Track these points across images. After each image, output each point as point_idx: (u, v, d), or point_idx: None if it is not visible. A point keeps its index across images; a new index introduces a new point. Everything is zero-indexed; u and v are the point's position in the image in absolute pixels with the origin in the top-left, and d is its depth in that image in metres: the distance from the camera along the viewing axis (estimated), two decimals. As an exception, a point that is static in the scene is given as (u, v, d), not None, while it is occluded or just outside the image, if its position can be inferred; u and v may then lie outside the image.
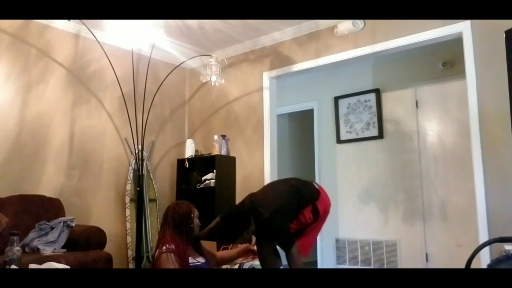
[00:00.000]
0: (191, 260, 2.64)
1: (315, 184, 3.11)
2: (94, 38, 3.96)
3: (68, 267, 2.54)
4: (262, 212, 2.69)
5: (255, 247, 3.06)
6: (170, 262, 2.51)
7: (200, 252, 2.78)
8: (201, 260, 2.72)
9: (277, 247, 2.93)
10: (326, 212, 2.97)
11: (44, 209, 3.55)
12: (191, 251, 2.69)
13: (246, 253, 3.18)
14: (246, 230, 2.67)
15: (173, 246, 2.57)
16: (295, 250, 2.65)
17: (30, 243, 3.23)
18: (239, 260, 3.18)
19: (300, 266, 2.67)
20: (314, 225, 2.93)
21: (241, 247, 3.21)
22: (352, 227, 5.00)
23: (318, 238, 5.24)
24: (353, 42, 3.95)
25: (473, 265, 1.80)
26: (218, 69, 4.15)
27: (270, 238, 2.82)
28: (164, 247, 2.57)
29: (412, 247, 4.53)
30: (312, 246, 3.02)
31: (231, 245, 3.72)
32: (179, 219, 2.67)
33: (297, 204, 2.84)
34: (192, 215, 2.73)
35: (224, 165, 4.49)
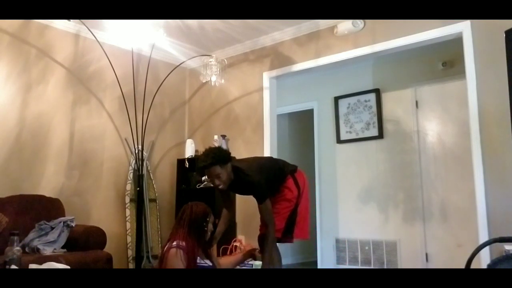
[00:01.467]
0: (198, 260, 2.64)
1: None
2: (94, 38, 3.96)
3: (68, 267, 2.54)
4: (245, 169, 2.97)
5: (256, 251, 3.12)
6: (178, 258, 2.51)
7: (208, 256, 2.78)
8: (208, 263, 2.73)
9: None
10: (306, 185, 3.20)
11: (44, 209, 3.55)
12: (200, 253, 2.69)
13: (249, 256, 3.18)
14: (224, 164, 2.89)
15: (184, 243, 2.57)
16: (268, 202, 2.96)
17: (30, 243, 3.23)
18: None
19: (270, 212, 2.96)
20: (301, 204, 3.13)
21: (243, 252, 3.22)
22: (352, 227, 4.99)
23: (318, 238, 5.25)
24: (353, 42, 3.95)
25: (473, 265, 1.80)
26: (218, 69, 4.15)
27: (247, 192, 3.08)
28: (174, 242, 2.57)
29: (412, 247, 4.53)
30: (309, 226, 3.22)
31: (231, 244, 3.73)
32: (194, 219, 2.68)
33: (275, 167, 3.16)
34: (208, 218, 2.74)
35: (224, 165, 4.49)
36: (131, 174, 4.47)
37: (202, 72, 4.20)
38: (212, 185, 3.08)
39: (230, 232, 4.01)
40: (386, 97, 4.94)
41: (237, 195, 4.21)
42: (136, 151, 4.24)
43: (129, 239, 4.30)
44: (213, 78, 4.16)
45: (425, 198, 4.53)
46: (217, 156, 2.90)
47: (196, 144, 4.83)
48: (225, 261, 3.09)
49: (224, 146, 4.57)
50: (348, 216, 5.05)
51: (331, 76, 5.27)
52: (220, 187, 2.94)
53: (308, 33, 4.26)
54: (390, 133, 4.87)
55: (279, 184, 3.11)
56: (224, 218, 3.24)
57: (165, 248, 2.61)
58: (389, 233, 4.69)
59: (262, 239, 3.06)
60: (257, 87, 4.58)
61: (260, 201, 2.94)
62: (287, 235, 3.09)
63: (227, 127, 4.78)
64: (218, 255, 3.53)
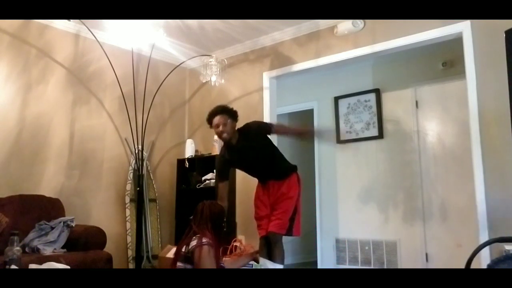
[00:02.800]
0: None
1: None
2: (94, 38, 3.96)
3: (68, 267, 2.54)
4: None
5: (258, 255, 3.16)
6: (211, 255, 2.53)
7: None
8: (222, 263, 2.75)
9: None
10: (301, 185, 3.32)
11: (44, 209, 3.55)
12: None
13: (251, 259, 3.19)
14: (232, 118, 3.19)
15: (212, 242, 2.59)
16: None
17: (30, 243, 3.23)
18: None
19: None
20: (298, 203, 3.24)
21: (246, 254, 3.23)
22: (352, 227, 4.99)
23: (318, 238, 5.26)
24: (353, 42, 3.95)
25: (473, 265, 1.80)
26: (218, 69, 4.15)
27: (253, 149, 3.19)
28: (204, 240, 2.57)
29: (412, 247, 4.53)
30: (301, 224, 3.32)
31: (232, 245, 3.73)
32: (216, 219, 2.71)
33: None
34: (225, 219, 2.78)
35: (224, 165, 4.49)
36: (131, 174, 4.47)
37: (202, 72, 4.20)
38: (216, 136, 3.24)
39: (230, 232, 4.00)
40: (386, 97, 4.93)
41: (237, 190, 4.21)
42: (136, 151, 4.24)
43: (129, 239, 4.30)
44: (213, 78, 4.16)
45: (425, 198, 4.53)
46: (229, 109, 3.25)
47: (196, 144, 4.83)
48: (229, 262, 3.09)
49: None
50: (348, 216, 5.05)
51: (331, 76, 5.27)
52: (224, 135, 3.15)
53: (308, 33, 4.26)
54: (390, 133, 4.87)
55: (285, 172, 3.19)
56: None
57: (193, 245, 2.57)
58: (389, 233, 4.69)
59: (265, 240, 3.10)
60: (257, 87, 4.58)
61: (267, 124, 3.29)
62: (287, 233, 3.15)
63: (227, 127, 4.77)
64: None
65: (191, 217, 2.78)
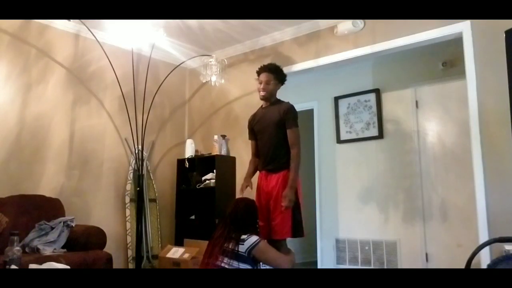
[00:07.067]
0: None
1: None
2: (94, 38, 3.96)
3: (68, 267, 2.54)
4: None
5: None
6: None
7: None
8: None
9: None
10: (299, 185, 3.18)
11: (44, 209, 3.55)
12: None
13: None
14: (278, 80, 3.21)
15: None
16: (298, 130, 3.13)
17: (30, 243, 3.24)
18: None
19: (298, 137, 3.10)
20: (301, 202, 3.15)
21: None
22: (352, 227, 4.99)
23: (318, 238, 5.25)
24: (353, 42, 3.95)
25: (473, 265, 1.80)
26: (218, 69, 4.16)
27: (272, 127, 3.15)
28: (257, 237, 2.76)
29: (412, 247, 4.53)
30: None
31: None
32: (254, 218, 2.92)
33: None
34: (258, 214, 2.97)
35: (224, 165, 4.49)
36: (131, 174, 4.47)
37: (202, 72, 4.20)
38: (258, 91, 3.24)
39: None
40: (386, 97, 4.93)
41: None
42: (136, 151, 4.24)
43: (129, 239, 4.30)
44: (213, 78, 4.16)
45: (425, 198, 4.53)
46: (279, 70, 3.24)
47: (196, 144, 4.83)
48: None
49: (224, 147, 4.58)
50: (348, 216, 5.05)
51: (331, 76, 5.27)
52: (262, 93, 3.20)
53: (308, 33, 4.26)
54: (390, 133, 4.87)
55: (281, 165, 3.13)
56: (253, 164, 3.40)
57: (252, 243, 2.72)
58: (389, 233, 4.69)
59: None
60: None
61: (292, 124, 3.08)
62: (297, 234, 3.14)
63: (227, 127, 4.78)
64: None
65: (228, 213, 2.87)
